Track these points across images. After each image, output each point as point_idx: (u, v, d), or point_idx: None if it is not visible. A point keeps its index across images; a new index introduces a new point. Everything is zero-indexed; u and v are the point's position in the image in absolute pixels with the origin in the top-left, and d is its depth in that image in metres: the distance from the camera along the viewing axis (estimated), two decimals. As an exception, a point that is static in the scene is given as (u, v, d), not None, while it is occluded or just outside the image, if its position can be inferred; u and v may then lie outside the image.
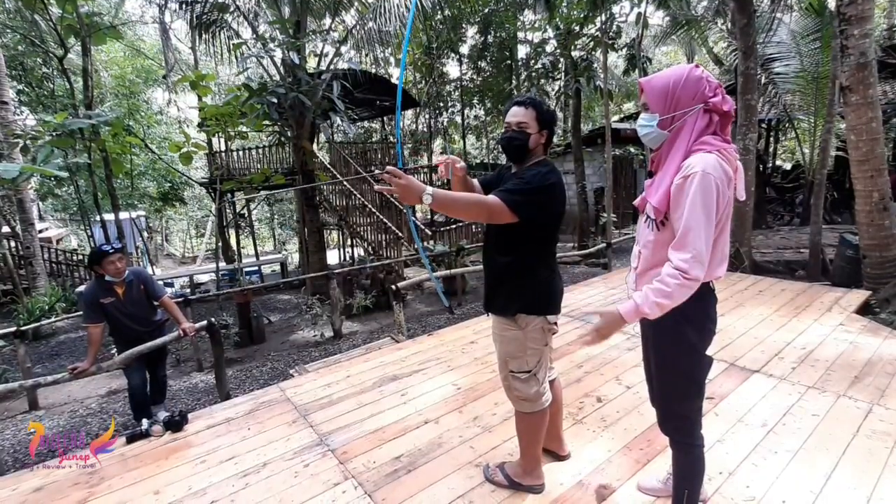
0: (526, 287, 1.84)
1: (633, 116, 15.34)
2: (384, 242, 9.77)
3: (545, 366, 1.92)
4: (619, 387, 3.03)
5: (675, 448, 1.69)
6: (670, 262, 1.40)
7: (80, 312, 4.39)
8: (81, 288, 3.33)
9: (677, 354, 1.53)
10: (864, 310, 4.31)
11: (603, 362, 3.41)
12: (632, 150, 14.79)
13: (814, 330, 3.75)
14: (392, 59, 17.12)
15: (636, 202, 1.68)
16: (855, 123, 4.62)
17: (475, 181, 2.08)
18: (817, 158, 7.35)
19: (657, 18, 12.10)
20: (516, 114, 1.82)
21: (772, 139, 12.81)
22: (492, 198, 1.65)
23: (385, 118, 17.24)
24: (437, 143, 21.63)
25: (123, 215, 11.74)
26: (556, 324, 1.90)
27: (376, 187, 1.60)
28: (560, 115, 17.93)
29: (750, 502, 1.94)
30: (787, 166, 13.86)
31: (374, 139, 17.67)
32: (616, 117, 18.14)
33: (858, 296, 4.53)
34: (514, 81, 13.84)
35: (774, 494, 1.97)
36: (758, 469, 2.13)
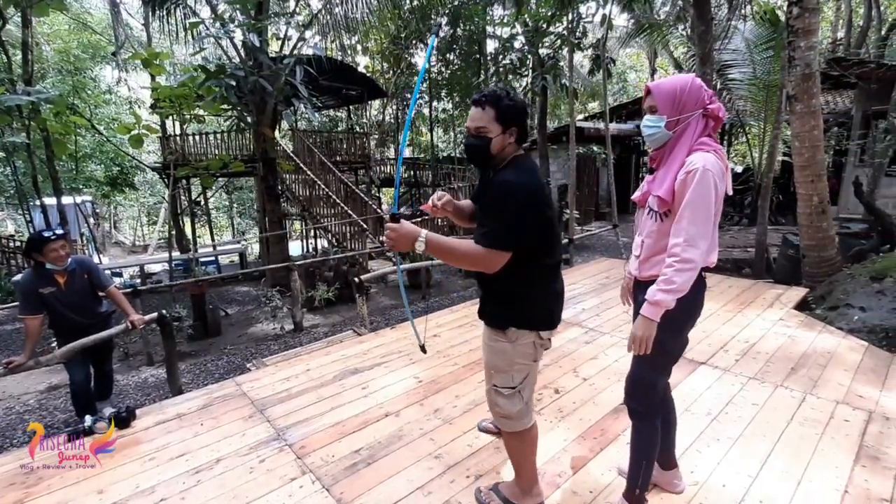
0: (519, 299, 1.68)
1: (597, 116, 15.72)
2: (348, 234, 9.63)
3: (532, 383, 1.79)
4: (576, 379, 3.12)
5: (636, 419, 1.80)
6: (667, 252, 1.56)
7: (17, 303, 4.12)
8: (18, 277, 3.11)
9: (663, 329, 1.61)
10: (802, 306, 4.61)
11: (561, 355, 3.50)
12: (595, 148, 15.16)
13: (757, 324, 3.98)
14: (359, 48, 16.82)
15: (635, 197, 1.81)
16: (799, 130, 4.90)
17: (466, 202, 1.93)
18: (765, 162, 7.77)
19: (622, 20, 12.42)
20: (473, 117, 1.65)
21: (724, 143, 13.45)
22: (480, 249, 1.55)
23: (351, 107, 16.94)
24: (407, 135, 21.44)
25: (67, 200, 11.01)
26: (549, 339, 1.77)
27: (381, 239, 1.53)
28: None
29: (693, 487, 2.04)
30: (739, 169, 14.57)
31: (339, 128, 17.33)
32: (581, 116, 18.52)
33: (798, 293, 4.84)
34: (482, 76, 13.86)
35: (716, 479, 2.09)
36: (702, 455, 2.25)
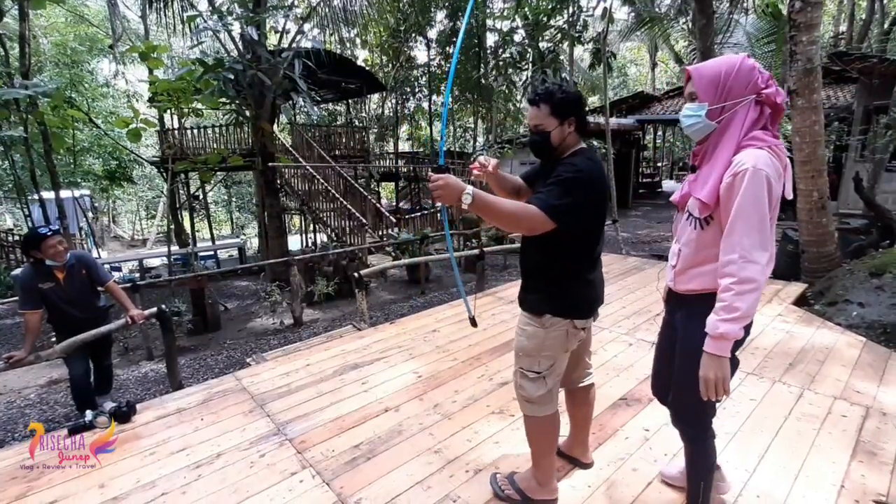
0: (561, 288, 1.72)
1: (597, 110, 15.66)
2: (348, 229, 9.62)
3: (557, 373, 1.80)
4: (575, 374, 3.12)
5: (687, 441, 1.70)
6: (719, 271, 1.37)
7: (17, 298, 4.13)
8: (18, 271, 3.11)
9: None
10: (801, 301, 4.62)
11: (561, 350, 3.51)
12: (595, 143, 15.10)
13: (755, 319, 3.95)
14: (358, 41, 16.73)
15: (674, 198, 1.61)
16: (799, 126, 4.89)
17: (517, 177, 1.96)
18: (765, 157, 7.74)
19: (622, 14, 12.34)
20: (530, 116, 1.72)
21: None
22: (531, 208, 1.53)
23: (350, 101, 16.87)
24: (404, 129, 21.38)
25: (65, 194, 10.99)
26: (584, 329, 1.79)
27: (430, 184, 1.51)
28: (526, 105, 18.07)
29: (692, 482, 2.05)
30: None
31: (338, 122, 17.26)
32: (580, 110, 18.36)
33: (796, 288, 4.84)
34: (482, 69, 13.80)
35: (714, 474, 2.10)
36: (700, 451, 2.26)
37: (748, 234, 1.31)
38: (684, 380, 1.57)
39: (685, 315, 1.58)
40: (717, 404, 1.63)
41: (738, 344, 1.46)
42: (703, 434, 1.64)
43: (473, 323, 1.90)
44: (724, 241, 1.36)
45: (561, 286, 1.72)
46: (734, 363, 1.51)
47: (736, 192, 1.32)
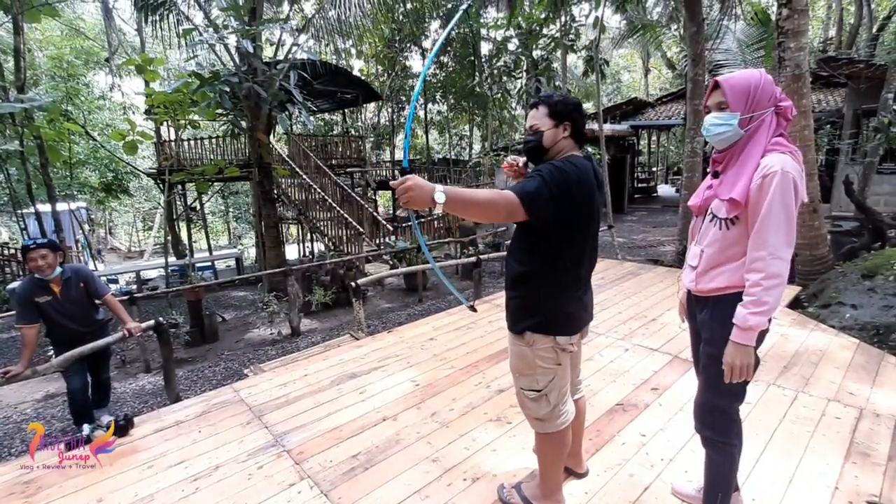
0: (538, 301, 1.67)
1: (591, 116, 15.78)
2: (345, 238, 9.63)
3: (559, 386, 1.74)
4: (571, 380, 3.14)
5: (709, 447, 1.67)
6: (747, 267, 1.44)
7: (13, 311, 4.12)
8: (14, 285, 3.10)
9: None
10: (795, 304, 4.65)
11: (557, 357, 3.52)
12: (589, 149, 15.21)
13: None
14: (353, 51, 16.84)
15: (692, 203, 1.67)
16: (789, 130, 4.95)
17: None
18: (757, 161, 7.82)
19: (615, 21, 12.50)
20: (528, 118, 1.74)
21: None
22: (507, 193, 1.48)
23: (346, 111, 16.95)
24: (400, 137, 21.47)
25: (61, 206, 10.97)
26: (572, 345, 1.73)
27: (391, 183, 1.44)
28: (521, 112, 18.19)
29: (688, 484, 2.06)
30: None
31: (334, 132, 17.33)
32: (575, 116, 18.47)
33: (790, 291, 4.87)
34: (476, 78, 13.91)
35: (710, 478, 2.11)
36: (695, 455, 2.27)
37: (776, 232, 1.39)
38: (709, 383, 1.60)
39: (709, 317, 1.60)
40: (740, 407, 1.64)
41: (763, 335, 1.51)
42: (726, 440, 1.64)
43: (473, 309, 1.85)
44: (753, 238, 1.43)
45: (539, 299, 1.67)
46: (756, 361, 1.53)
47: (766, 192, 1.40)
